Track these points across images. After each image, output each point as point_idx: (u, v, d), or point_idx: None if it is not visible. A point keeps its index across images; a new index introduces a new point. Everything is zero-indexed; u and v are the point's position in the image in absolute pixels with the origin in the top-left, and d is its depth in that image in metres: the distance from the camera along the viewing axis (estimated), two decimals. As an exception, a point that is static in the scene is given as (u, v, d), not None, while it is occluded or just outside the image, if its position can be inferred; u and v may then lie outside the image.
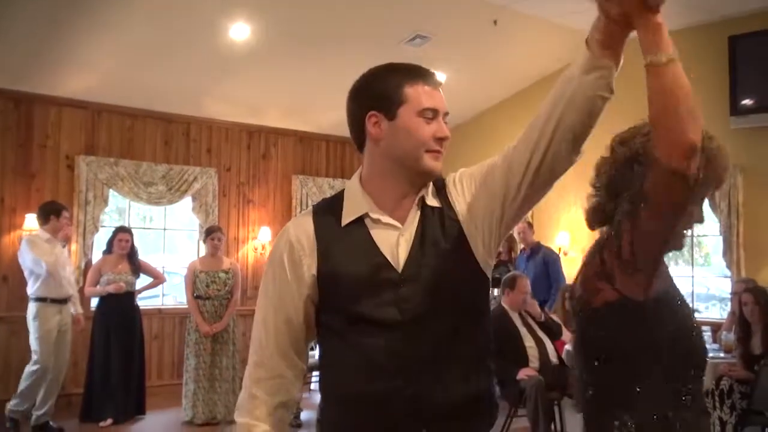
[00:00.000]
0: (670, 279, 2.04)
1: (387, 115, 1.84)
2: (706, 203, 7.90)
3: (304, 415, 7.55)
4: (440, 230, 1.87)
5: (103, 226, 8.59)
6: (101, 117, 8.68)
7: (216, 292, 7.28)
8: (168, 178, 8.99)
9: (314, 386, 8.92)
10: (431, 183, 1.93)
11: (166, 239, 9.75)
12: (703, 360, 2.01)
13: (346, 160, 10.77)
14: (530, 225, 8.77)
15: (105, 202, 8.63)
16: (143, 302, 8.45)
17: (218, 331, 7.22)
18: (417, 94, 1.83)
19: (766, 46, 7.74)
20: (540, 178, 1.76)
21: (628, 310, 1.93)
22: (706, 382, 5.61)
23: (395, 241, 1.85)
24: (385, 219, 1.87)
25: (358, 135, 1.92)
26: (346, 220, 1.88)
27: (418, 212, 1.89)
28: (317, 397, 7.63)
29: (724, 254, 7.99)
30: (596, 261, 2.05)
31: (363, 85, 1.90)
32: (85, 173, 8.45)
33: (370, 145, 1.90)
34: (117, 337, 7.27)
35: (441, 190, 1.94)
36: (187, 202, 9.29)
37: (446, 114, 1.88)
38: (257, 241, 9.76)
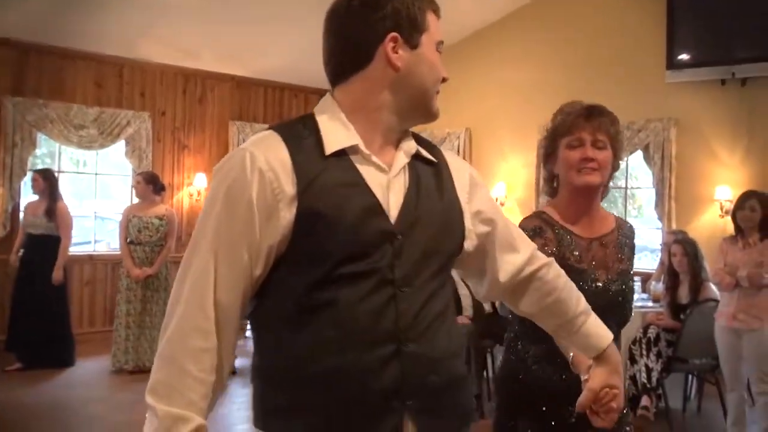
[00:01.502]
0: None
1: (410, 40, 1.57)
2: (639, 155, 8.04)
3: (238, 362, 7.52)
4: (435, 185, 1.66)
5: (32, 170, 8.33)
6: (29, 56, 8.36)
7: (147, 238, 7.15)
8: (100, 122, 8.74)
9: (249, 333, 8.90)
10: (413, 137, 1.70)
11: (100, 184, 9.52)
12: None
13: (285, 106, 10.61)
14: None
15: (33, 145, 8.38)
16: (74, 248, 8.27)
17: (148, 276, 7.10)
18: (435, 23, 1.61)
19: (704, 2, 7.82)
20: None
21: None
22: (633, 330, 5.77)
23: (385, 185, 1.57)
24: (374, 158, 1.58)
25: (358, 58, 1.59)
26: (331, 148, 1.53)
27: (406, 160, 1.63)
28: (251, 345, 7.60)
29: (656, 206, 8.15)
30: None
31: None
32: (11, 114, 8.16)
33: (375, 72, 1.58)
34: (31, 282, 7.11)
35: (434, 149, 1.74)
36: (120, 146, 9.07)
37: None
38: (192, 188, 9.61)
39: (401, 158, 1.63)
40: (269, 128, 1.60)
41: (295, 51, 9.24)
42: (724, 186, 7.67)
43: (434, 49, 1.62)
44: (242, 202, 1.47)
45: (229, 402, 6.58)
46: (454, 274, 1.85)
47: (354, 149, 1.56)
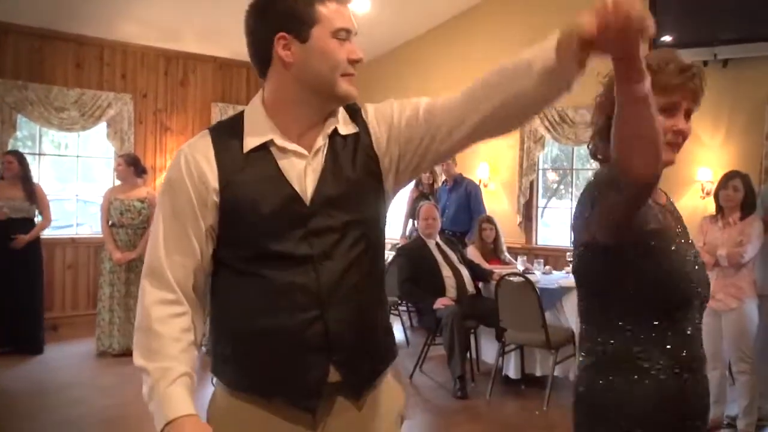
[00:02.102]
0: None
1: (298, 36, 1.70)
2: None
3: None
4: (351, 158, 1.79)
5: (6, 152, 8.23)
6: (8, 37, 8.25)
7: (130, 220, 7.11)
8: (80, 104, 8.67)
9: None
10: (342, 109, 1.83)
11: (82, 167, 9.45)
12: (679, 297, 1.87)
13: (267, 88, 10.55)
14: (452, 157, 8.80)
15: (13, 127, 8.29)
16: (56, 231, 8.22)
17: (131, 259, 7.08)
18: (329, 12, 1.71)
19: (686, -18, 7.83)
20: (476, 136, 1.76)
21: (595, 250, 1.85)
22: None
23: (302, 170, 1.74)
24: (292, 146, 1.75)
25: (262, 58, 1.77)
26: (248, 146, 1.74)
27: (326, 140, 1.78)
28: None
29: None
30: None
31: (269, 3, 1.74)
32: (-10, 96, 8.07)
33: (277, 69, 1.75)
34: (4, 266, 7.01)
35: (356, 115, 1.85)
36: (102, 128, 9.00)
37: (355, 34, 1.77)
38: (175, 170, 9.54)
39: (318, 141, 1.78)
40: (208, 128, 1.83)
41: (277, 32, 9.19)
42: (705, 167, 7.71)
43: (329, 38, 1.71)
44: (182, 194, 1.72)
45: (209, 383, 6.58)
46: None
47: (272, 143, 1.75)
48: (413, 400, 5.89)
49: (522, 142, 9.10)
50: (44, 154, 9.03)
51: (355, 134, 1.82)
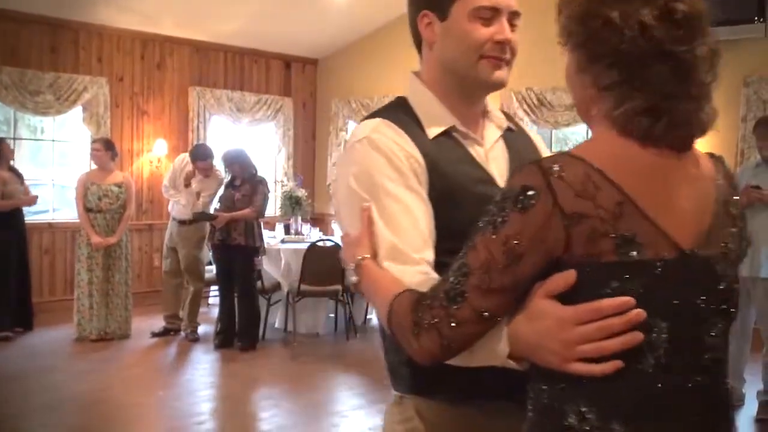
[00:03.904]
0: None
1: (439, 14, 1.60)
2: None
3: (201, 330, 7.53)
4: (529, 148, 1.76)
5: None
6: (-19, 20, 8.15)
7: (108, 205, 7.10)
8: (56, 87, 8.57)
9: (212, 301, 8.90)
10: (494, 107, 1.76)
11: (58, 151, 9.36)
12: None
13: (246, 71, 10.49)
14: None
15: (-13, 111, 8.20)
16: (32, 216, 8.16)
17: (111, 244, 7.05)
18: None
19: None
20: None
21: None
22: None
23: (484, 157, 1.66)
24: (472, 134, 1.66)
25: (414, 37, 1.69)
26: (432, 132, 1.61)
27: (499, 132, 1.72)
28: (216, 312, 7.64)
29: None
30: None
31: None
32: (-37, 79, 7.97)
33: (425, 49, 1.68)
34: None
35: (511, 119, 1.81)
36: (77, 112, 8.91)
37: (516, 14, 1.62)
38: (152, 154, 9.48)
39: (493, 131, 1.72)
40: (377, 118, 1.63)
41: (254, 15, 9.13)
42: (682, 150, 7.75)
43: (467, 16, 1.58)
44: (401, 181, 1.53)
45: (192, 368, 6.59)
46: None
47: (454, 128, 1.64)
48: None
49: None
50: (20, 138, 8.93)
51: (518, 130, 1.79)
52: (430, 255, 1.49)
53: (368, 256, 1.49)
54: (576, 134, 9.35)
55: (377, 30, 9.95)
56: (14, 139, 8.64)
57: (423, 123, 1.62)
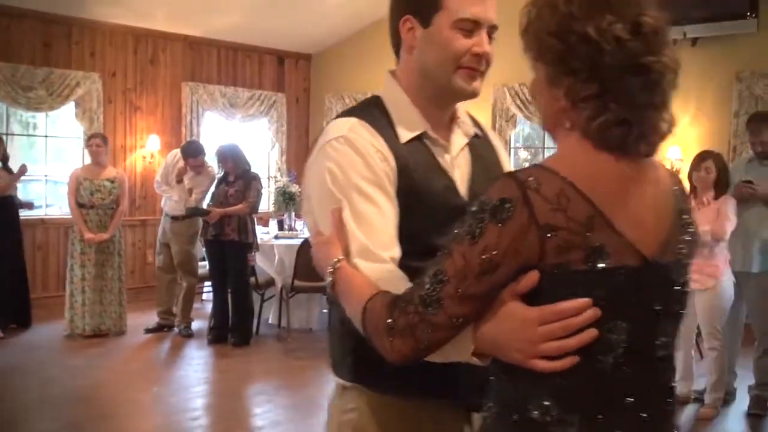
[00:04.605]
0: None
1: (422, 21, 1.67)
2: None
3: (195, 325, 7.53)
4: (492, 156, 1.84)
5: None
6: (-27, 15, 8.12)
7: (100, 200, 7.09)
8: (48, 83, 8.54)
9: (206, 296, 8.89)
10: (465, 112, 1.84)
11: (51, 147, 9.34)
12: None
13: (239, 66, 10.48)
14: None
15: (-20, 107, 8.17)
16: (27, 213, 8.14)
17: (103, 240, 7.04)
18: (458, 0, 1.65)
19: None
20: None
21: None
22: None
23: (450, 163, 1.73)
24: (441, 141, 1.73)
25: (393, 39, 1.76)
26: (405, 136, 1.68)
27: (466, 140, 1.79)
28: (209, 307, 7.64)
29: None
30: None
31: None
32: (-45, 75, 7.94)
33: (404, 53, 1.75)
34: None
35: (477, 124, 1.88)
36: (70, 108, 8.88)
37: (494, 28, 1.70)
38: (145, 150, 9.47)
39: (460, 138, 1.78)
40: (352, 117, 1.69)
41: (247, 10, 9.12)
42: (674, 146, 7.78)
43: (449, 27, 1.64)
44: (373, 180, 1.60)
45: (186, 364, 6.59)
46: None
47: (425, 134, 1.71)
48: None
49: (494, 121, 9.12)
50: (13, 134, 8.91)
51: (486, 138, 1.87)
52: (397, 252, 1.56)
53: (342, 257, 1.53)
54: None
55: (370, 25, 9.93)
56: (7, 134, 8.60)
57: (396, 126, 1.69)
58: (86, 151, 7.45)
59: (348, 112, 1.73)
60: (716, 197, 5.15)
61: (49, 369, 6.11)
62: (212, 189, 7.33)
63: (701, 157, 5.28)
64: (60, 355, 6.63)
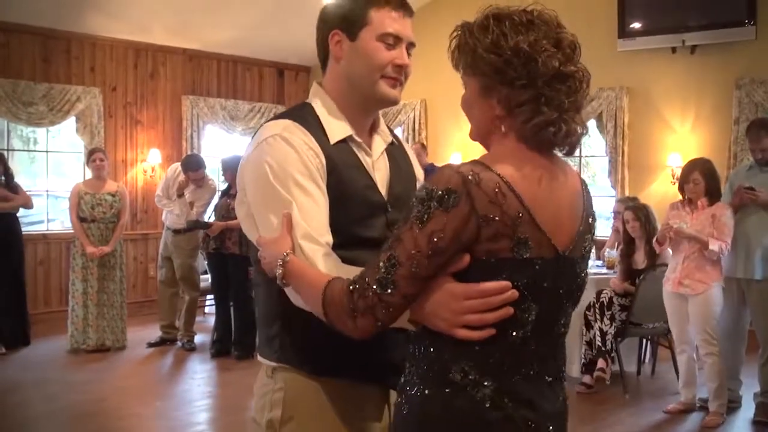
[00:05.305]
0: None
1: (349, 35, 1.87)
2: (593, 124, 8.05)
3: (198, 339, 7.51)
4: (405, 162, 2.06)
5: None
6: (-27, 32, 8.14)
7: (102, 214, 7.07)
8: (49, 98, 8.56)
9: (208, 310, 8.88)
10: (383, 121, 2.04)
11: (52, 162, 9.35)
12: None
13: (239, 79, 10.50)
14: (424, 146, 8.82)
15: (-19, 122, 8.19)
16: (27, 228, 8.14)
17: (105, 253, 7.03)
18: (381, 18, 1.86)
19: (654, -30, 7.89)
20: None
21: None
22: (587, 296, 5.85)
23: (371, 165, 1.93)
24: (364, 145, 1.93)
25: (321, 52, 1.95)
26: (334, 138, 1.88)
27: (385, 145, 2.00)
28: (212, 321, 7.62)
29: (610, 174, 8.26)
30: None
31: (330, 4, 1.93)
32: (-45, 91, 7.95)
33: (331, 63, 1.93)
34: None
35: (393, 134, 2.09)
36: (71, 123, 8.90)
37: (412, 44, 1.91)
38: (146, 164, 9.48)
39: (379, 143, 1.99)
40: (287, 119, 1.88)
41: (247, 23, 9.14)
42: (675, 153, 7.78)
43: (374, 41, 1.86)
44: (304, 172, 1.78)
45: (189, 378, 6.57)
46: None
47: (351, 138, 1.90)
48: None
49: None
50: (13, 149, 8.92)
51: (400, 144, 2.11)
52: (330, 239, 1.76)
53: (290, 252, 1.70)
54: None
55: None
56: (7, 150, 8.62)
57: (326, 129, 1.87)
58: (89, 166, 7.42)
59: (281, 116, 1.93)
60: (710, 203, 5.24)
61: (51, 384, 6.08)
62: (214, 202, 7.33)
63: (688, 169, 5.41)
64: (61, 370, 6.60)
